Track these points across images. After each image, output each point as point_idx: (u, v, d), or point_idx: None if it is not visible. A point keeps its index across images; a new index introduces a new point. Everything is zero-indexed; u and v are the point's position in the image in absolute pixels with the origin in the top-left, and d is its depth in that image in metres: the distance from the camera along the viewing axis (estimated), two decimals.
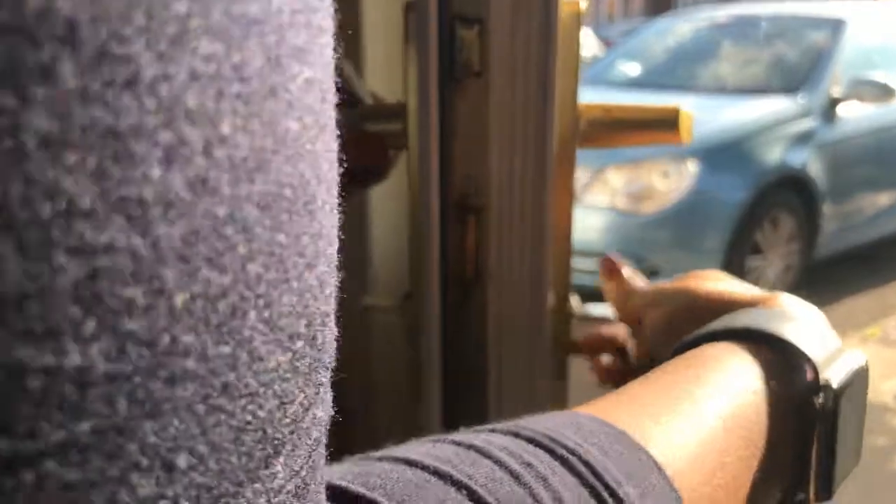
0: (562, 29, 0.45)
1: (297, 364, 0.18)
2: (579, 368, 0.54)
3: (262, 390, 0.17)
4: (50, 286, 0.13)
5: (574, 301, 0.52)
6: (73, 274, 0.13)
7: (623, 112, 0.51)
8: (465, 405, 0.49)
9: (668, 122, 0.51)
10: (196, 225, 0.15)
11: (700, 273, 0.47)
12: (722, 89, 4.29)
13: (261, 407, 0.17)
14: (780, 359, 0.37)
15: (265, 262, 0.16)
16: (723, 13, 4.83)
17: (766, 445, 0.35)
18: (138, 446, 0.14)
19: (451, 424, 0.49)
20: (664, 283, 0.46)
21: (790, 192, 4.08)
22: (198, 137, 0.15)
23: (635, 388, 0.35)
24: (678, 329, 0.42)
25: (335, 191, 0.20)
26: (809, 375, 0.36)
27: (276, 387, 0.17)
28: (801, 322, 0.38)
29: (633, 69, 4.73)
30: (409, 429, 0.61)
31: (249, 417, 0.16)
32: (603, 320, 0.52)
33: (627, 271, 0.49)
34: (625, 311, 0.48)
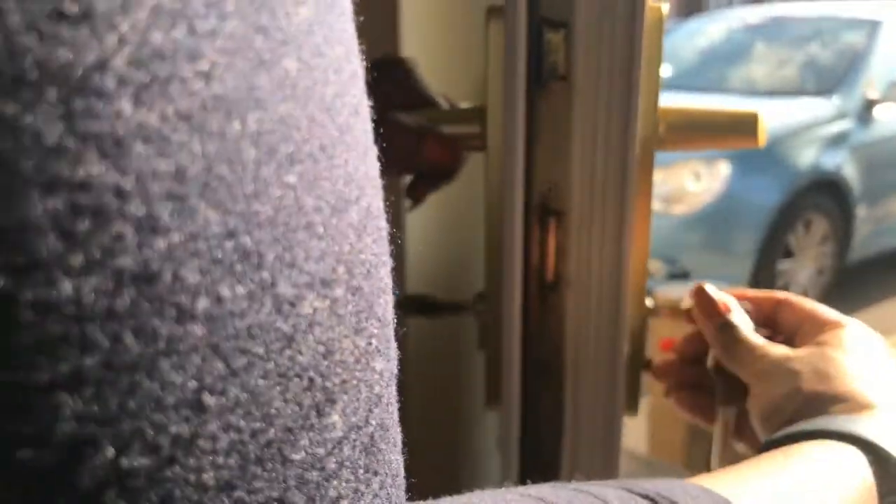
0: (645, 32, 0.45)
1: (339, 311, 0.18)
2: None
3: (298, 336, 0.17)
4: (26, 219, 0.13)
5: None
6: (51, 207, 0.13)
7: (702, 116, 0.50)
8: (542, 407, 0.49)
9: (746, 126, 0.50)
10: (184, 162, 0.15)
11: (831, 340, 0.43)
12: (754, 91, 4.25)
13: (300, 353, 0.17)
14: (881, 470, 0.36)
15: (275, 205, 0.16)
16: (755, 14, 4.78)
17: None
18: (158, 384, 0.15)
19: (528, 425, 0.49)
20: (778, 349, 0.44)
21: (824, 194, 4.03)
22: (170, 73, 0.14)
23: (742, 470, 0.35)
24: (780, 411, 0.41)
25: (367, 139, 0.20)
26: None
27: (315, 333, 0.17)
28: None
29: (664, 71, 4.69)
30: (477, 424, 0.61)
31: (288, 363, 0.16)
32: (678, 311, 0.51)
33: (738, 316, 0.46)
34: (728, 362, 0.46)
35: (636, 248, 0.47)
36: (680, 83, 4.44)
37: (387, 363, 0.20)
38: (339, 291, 0.18)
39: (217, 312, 0.15)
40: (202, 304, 0.15)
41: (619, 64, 0.44)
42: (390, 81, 0.51)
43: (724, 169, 3.66)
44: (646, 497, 0.28)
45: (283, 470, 0.17)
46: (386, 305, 0.20)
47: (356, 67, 0.20)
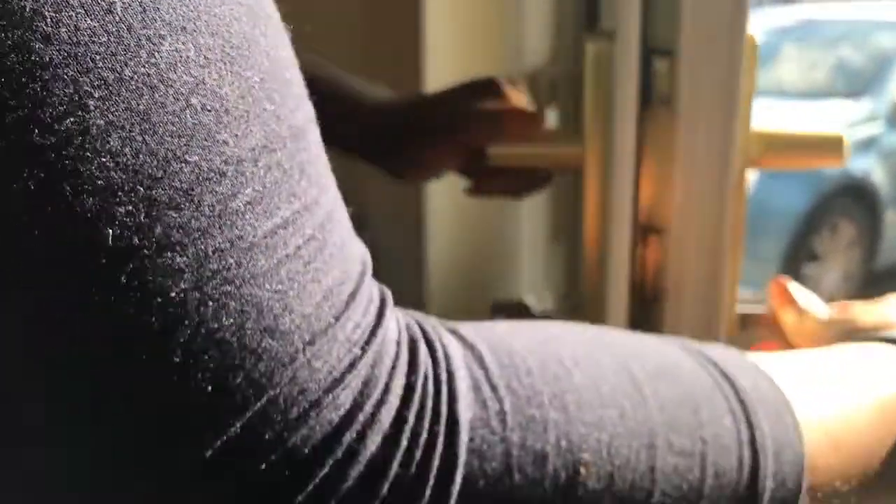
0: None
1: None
2: None
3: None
4: None
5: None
6: None
7: (791, 138, 0.53)
8: None
9: (832, 147, 0.53)
10: None
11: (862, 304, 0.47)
12: (783, 93, 4.24)
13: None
14: None
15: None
16: (785, 16, 4.76)
17: None
18: None
19: None
20: (836, 311, 0.47)
21: (851, 199, 4.01)
22: None
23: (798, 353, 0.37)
24: None
25: None
26: None
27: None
28: None
29: None
30: None
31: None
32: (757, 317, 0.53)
33: (803, 298, 0.50)
34: (803, 342, 0.48)
35: (731, 262, 0.50)
36: None
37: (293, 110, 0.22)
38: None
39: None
40: None
41: (719, 89, 0.46)
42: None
43: (750, 173, 3.65)
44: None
45: (184, 168, 0.19)
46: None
47: None
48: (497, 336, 0.27)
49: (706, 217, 0.48)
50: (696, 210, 0.48)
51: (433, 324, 0.26)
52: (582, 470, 0.25)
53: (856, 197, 4.05)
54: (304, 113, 0.23)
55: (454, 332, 0.26)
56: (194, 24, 0.19)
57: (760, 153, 0.51)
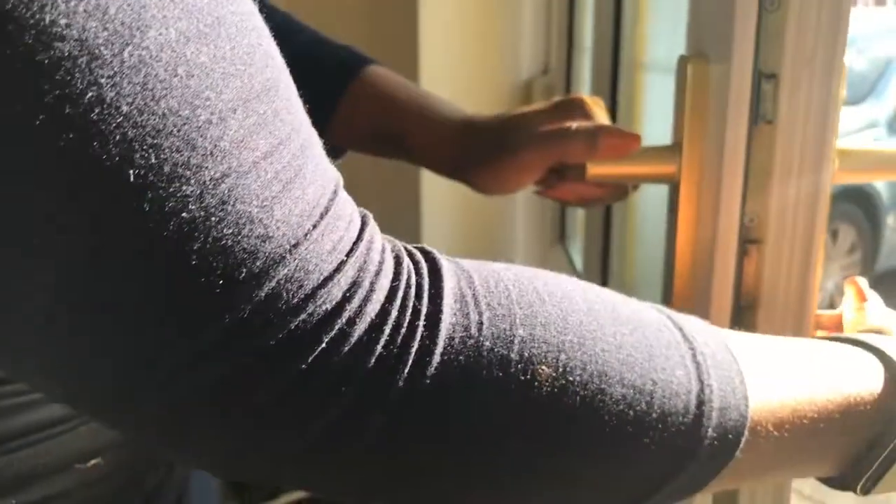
0: None
1: None
2: None
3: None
4: None
5: None
6: None
7: (869, 154, 0.56)
8: None
9: None
10: None
11: None
12: None
13: None
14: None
15: None
16: None
17: (851, 426, 0.39)
18: None
19: None
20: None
21: (851, 203, 4.06)
22: None
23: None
24: None
25: None
26: None
27: None
28: None
29: None
30: None
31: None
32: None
33: (872, 298, 0.53)
34: None
35: (817, 269, 0.53)
36: None
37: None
38: None
39: None
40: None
41: (816, 110, 0.50)
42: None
43: None
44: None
45: (179, 121, 0.26)
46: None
47: None
48: (491, 268, 0.34)
49: (799, 228, 0.51)
50: (789, 222, 0.51)
51: (433, 253, 0.33)
52: (539, 377, 0.31)
53: (856, 201, 4.10)
54: (273, 69, 0.29)
55: (455, 261, 0.33)
56: (172, 12, 0.26)
57: (842, 168, 0.54)
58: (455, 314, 0.31)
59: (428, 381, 0.29)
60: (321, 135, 0.32)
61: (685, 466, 0.34)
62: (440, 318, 0.30)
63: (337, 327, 0.28)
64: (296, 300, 0.28)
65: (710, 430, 0.34)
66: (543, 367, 0.31)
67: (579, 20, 1.51)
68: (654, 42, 0.97)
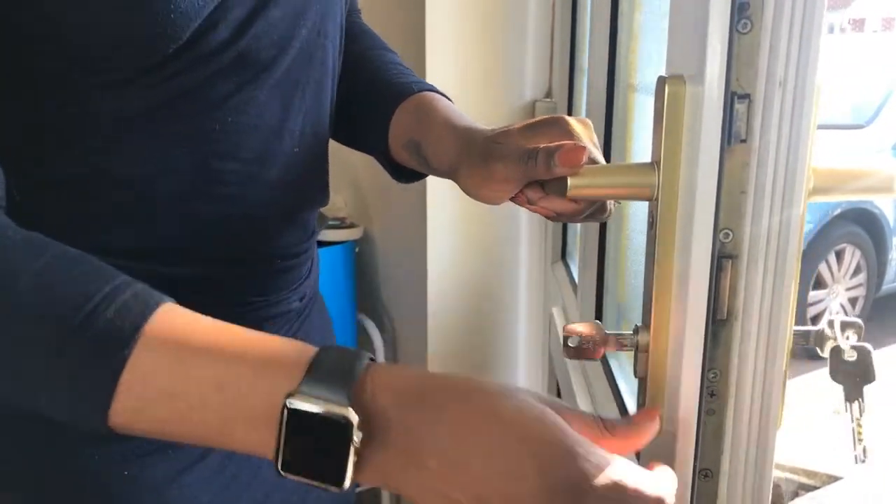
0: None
1: None
2: None
3: None
4: None
5: None
6: None
7: (845, 173, 0.57)
8: (707, 431, 0.55)
9: (884, 182, 0.58)
10: None
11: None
12: None
13: None
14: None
15: None
16: None
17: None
18: None
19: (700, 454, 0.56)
20: None
21: (857, 225, 4.07)
22: None
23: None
24: None
25: None
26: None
27: None
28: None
29: None
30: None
31: None
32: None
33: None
34: None
35: (794, 285, 0.54)
36: None
37: None
38: None
39: None
40: None
41: (787, 129, 0.51)
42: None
43: None
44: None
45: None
46: None
47: None
48: None
49: (772, 244, 0.53)
50: (763, 238, 0.53)
51: None
52: None
53: (861, 223, 4.11)
54: None
55: None
56: None
57: (818, 187, 0.56)
58: None
59: None
60: (381, 139, 0.35)
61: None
62: None
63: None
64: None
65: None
66: None
67: (580, 45, 1.54)
68: (644, 64, 0.99)
